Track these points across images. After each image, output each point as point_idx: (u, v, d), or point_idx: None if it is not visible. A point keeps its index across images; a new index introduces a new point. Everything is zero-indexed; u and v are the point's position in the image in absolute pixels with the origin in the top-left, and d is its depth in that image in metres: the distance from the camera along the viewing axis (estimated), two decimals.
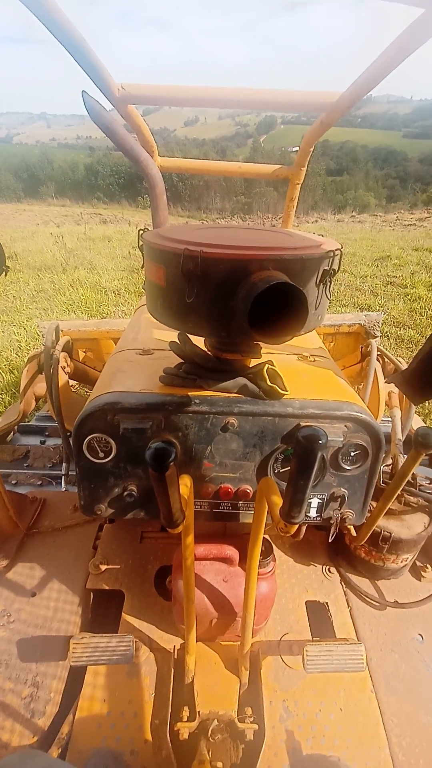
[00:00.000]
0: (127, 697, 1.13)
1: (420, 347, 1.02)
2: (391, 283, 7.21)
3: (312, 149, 2.12)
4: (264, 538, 1.15)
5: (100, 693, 1.13)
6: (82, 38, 1.12)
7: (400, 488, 0.99)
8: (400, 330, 5.36)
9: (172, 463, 0.57)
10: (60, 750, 1.02)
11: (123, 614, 1.31)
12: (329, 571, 1.47)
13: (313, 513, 1.02)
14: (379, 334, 2.85)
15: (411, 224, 14.56)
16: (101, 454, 0.94)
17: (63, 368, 1.93)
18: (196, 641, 1.15)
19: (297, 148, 2.21)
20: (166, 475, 0.58)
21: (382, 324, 5.40)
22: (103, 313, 5.86)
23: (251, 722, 1.08)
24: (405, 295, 6.56)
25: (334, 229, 14.05)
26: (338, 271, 0.81)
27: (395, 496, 1.03)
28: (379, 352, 2.16)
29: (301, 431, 0.55)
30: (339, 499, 0.99)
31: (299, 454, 0.56)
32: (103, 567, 1.43)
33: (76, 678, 1.17)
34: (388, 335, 5.25)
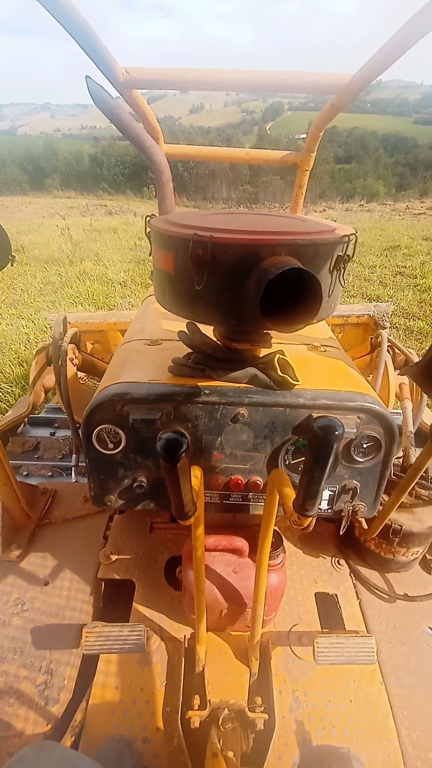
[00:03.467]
0: (139, 685, 1.14)
1: None
2: (400, 273, 7.08)
3: (322, 134, 2.06)
4: (274, 529, 1.15)
5: (112, 680, 1.14)
6: (84, 21, 1.09)
7: (414, 481, 0.97)
8: (409, 321, 5.28)
9: (183, 455, 0.56)
10: (73, 738, 1.03)
11: (134, 604, 1.32)
12: (338, 563, 1.46)
13: (324, 505, 1.01)
14: (388, 325, 2.80)
15: (421, 213, 14.26)
16: (111, 445, 0.93)
17: (71, 360, 1.93)
18: (206, 631, 1.15)
19: (305, 135, 2.15)
20: (177, 467, 0.56)
21: (392, 315, 5.32)
22: (109, 305, 5.85)
23: (261, 712, 1.09)
24: (415, 286, 6.45)
25: (342, 218, 13.81)
26: (353, 257, 0.78)
27: (408, 489, 1.01)
28: (389, 343, 2.13)
29: (316, 422, 0.53)
30: (351, 492, 0.98)
31: (314, 446, 0.54)
32: (114, 557, 1.44)
33: (88, 666, 1.19)
34: (397, 326, 5.17)
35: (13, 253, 1.12)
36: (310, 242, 0.71)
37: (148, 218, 0.92)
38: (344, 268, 0.79)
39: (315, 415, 0.91)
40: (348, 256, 0.78)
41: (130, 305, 5.73)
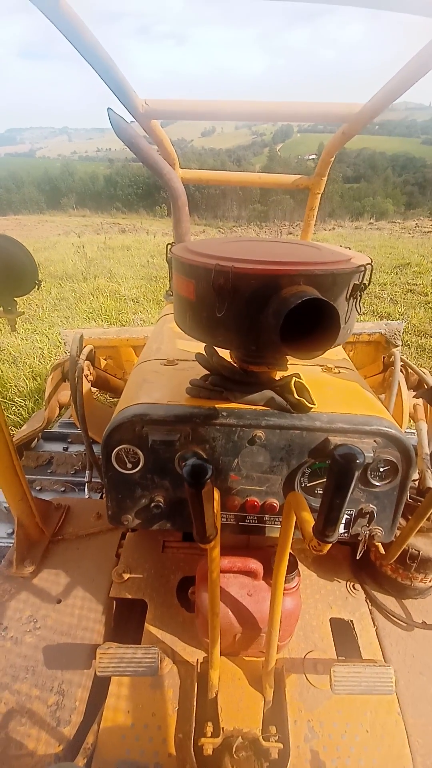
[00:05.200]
0: (151, 710, 1.12)
1: None
2: (411, 291, 7.09)
3: (333, 159, 2.13)
4: (290, 553, 1.14)
5: (124, 704, 1.13)
6: (108, 56, 1.16)
7: None
8: (421, 339, 5.26)
9: (209, 480, 0.57)
10: (85, 760, 1.02)
11: (146, 624, 1.31)
12: (353, 588, 1.43)
13: (340, 529, 1.00)
14: (400, 343, 2.80)
15: (431, 231, 14.32)
16: (129, 465, 0.95)
17: (86, 376, 1.97)
18: (220, 655, 1.13)
19: (314, 156, 2.21)
20: (203, 492, 0.58)
21: (403, 333, 5.31)
22: (122, 321, 5.96)
23: (276, 741, 1.06)
24: (426, 303, 6.44)
25: (351, 236, 13.96)
26: (369, 285, 0.81)
27: (428, 515, 1.00)
28: (402, 363, 2.12)
29: (338, 450, 0.54)
30: (368, 516, 0.97)
31: (335, 473, 0.55)
32: (126, 576, 1.43)
33: (100, 687, 1.18)
34: (409, 344, 5.15)
35: (39, 278, 1.17)
36: (328, 272, 0.73)
37: (169, 246, 0.96)
38: (360, 296, 0.81)
39: (332, 438, 0.91)
40: (364, 284, 0.80)
41: (142, 321, 5.83)
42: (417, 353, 4.96)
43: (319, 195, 2.30)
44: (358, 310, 0.83)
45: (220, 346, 0.86)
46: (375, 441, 0.91)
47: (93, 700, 1.16)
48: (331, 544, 0.63)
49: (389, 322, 2.77)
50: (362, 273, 0.79)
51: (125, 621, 1.43)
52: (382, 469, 0.94)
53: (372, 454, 0.90)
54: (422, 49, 1.05)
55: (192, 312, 0.84)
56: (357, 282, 0.79)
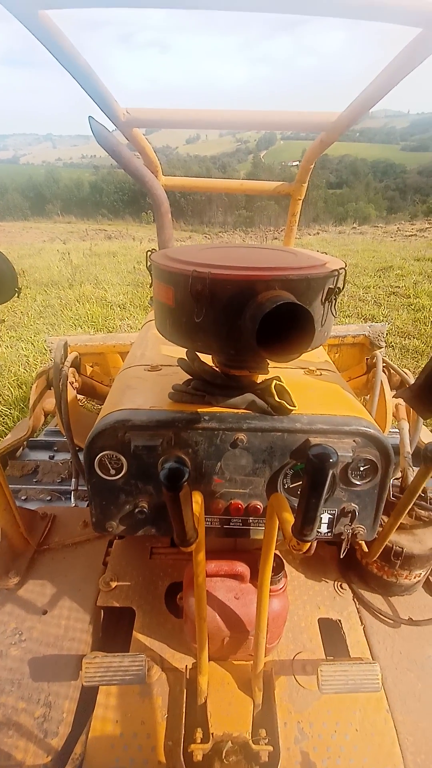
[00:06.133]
0: (140, 718, 1.11)
1: (428, 359, 1.02)
2: (394, 293, 7.23)
3: (312, 166, 2.18)
4: (275, 554, 1.15)
5: (112, 714, 1.12)
6: (87, 65, 1.17)
7: (412, 503, 0.99)
8: (404, 340, 5.36)
9: (185, 483, 0.58)
10: None
11: (134, 632, 1.30)
12: (341, 588, 1.44)
13: (323, 529, 1.02)
14: (384, 344, 2.85)
15: (412, 234, 14.68)
16: (112, 471, 0.95)
17: (71, 384, 1.96)
18: (209, 660, 1.13)
19: (297, 163, 2.26)
20: (180, 495, 0.58)
21: (387, 334, 5.41)
22: (109, 328, 5.93)
23: (266, 744, 1.06)
24: (408, 305, 6.58)
25: (335, 240, 14.19)
26: (343, 289, 0.83)
27: (407, 511, 1.02)
28: (384, 364, 2.17)
29: (311, 450, 0.56)
30: (349, 515, 0.99)
31: (310, 473, 0.57)
32: (114, 584, 1.42)
33: (87, 697, 1.16)
34: (393, 345, 5.24)
35: (19, 285, 1.16)
36: (303, 277, 0.75)
37: (149, 253, 0.97)
38: (335, 299, 0.83)
39: (312, 439, 0.93)
40: (339, 288, 0.82)
41: (129, 327, 5.81)
42: (401, 354, 5.05)
43: (301, 201, 2.35)
44: (334, 314, 0.85)
45: (200, 351, 0.87)
46: (354, 441, 0.93)
47: (81, 711, 1.15)
48: (310, 543, 0.64)
49: (373, 324, 2.82)
50: (336, 277, 0.81)
51: (114, 630, 1.41)
52: (362, 469, 0.95)
53: (351, 454, 0.92)
54: (395, 57, 1.06)
55: (172, 318, 0.85)
56: (332, 286, 0.81)
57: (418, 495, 1.23)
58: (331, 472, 0.56)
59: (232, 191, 2.46)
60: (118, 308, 6.74)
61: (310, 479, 0.57)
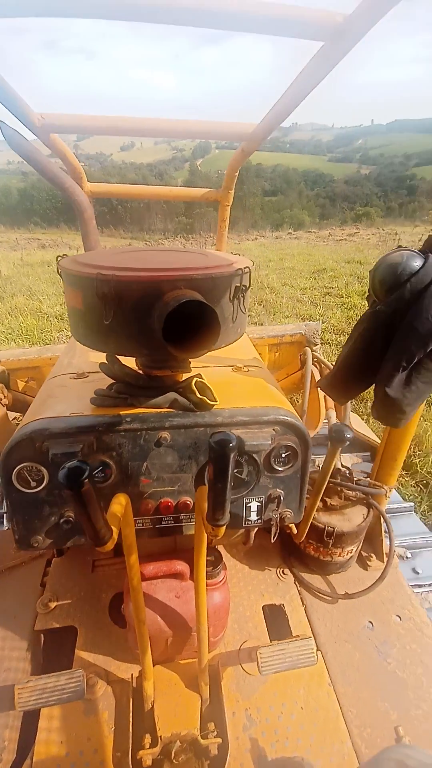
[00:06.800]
0: (86, 735, 1.08)
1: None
2: (328, 293, 7.70)
3: (237, 174, 2.27)
4: (213, 548, 1.17)
5: (56, 735, 1.07)
6: None
7: (326, 482, 1.06)
8: (339, 336, 5.72)
9: (86, 480, 0.58)
10: None
11: (76, 651, 1.25)
12: (283, 573, 1.51)
13: (253, 516, 1.06)
14: (319, 341, 3.03)
15: (342, 239, 15.74)
16: (33, 484, 0.91)
17: (0, 400, 1.85)
18: (154, 664, 1.12)
19: None
20: (82, 492, 0.58)
21: (324, 332, 5.74)
22: (46, 340, 5.66)
23: (214, 737, 1.07)
24: (342, 304, 7.03)
25: (273, 245, 14.79)
26: (249, 287, 0.88)
27: (323, 490, 1.10)
28: (315, 359, 2.31)
29: (212, 437, 0.59)
30: (276, 500, 1.04)
31: (213, 459, 0.60)
32: (53, 604, 1.36)
33: (31, 724, 1.11)
34: (329, 342, 5.57)
35: None
36: (207, 276, 0.79)
37: (59, 258, 0.96)
38: (243, 297, 0.88)
39: (234, 431, 0.97)
40: (245, 286, 0.87)
41: (68, 339, 5.59)
42: (336, 350, 5.38)
43: (229, 207, 2.43)
44: (243, 311, 0.90)
45: (115, 353, 0.88)
46: (274, 429, 0.98)
47: (24, 739, 1.09)
48: (223, 528, 0.67)
49: (308, 323, 2.99)
50: (242, 275, 0.86)
51: (57, 651, 1.35)
52: (283, 455, 1.01)
53: (270, 442, 0.97)
54: (301, 71, 1.12)
55: (83, 321, 0.84)
56: (238, 284, 0.86)
57: (346, 477, 1.33)
58: (232, 456, 0.59)
59: (161, 198, 2.48)
60: (55, 320, 6.45)
61: (215, 466, 0.60)
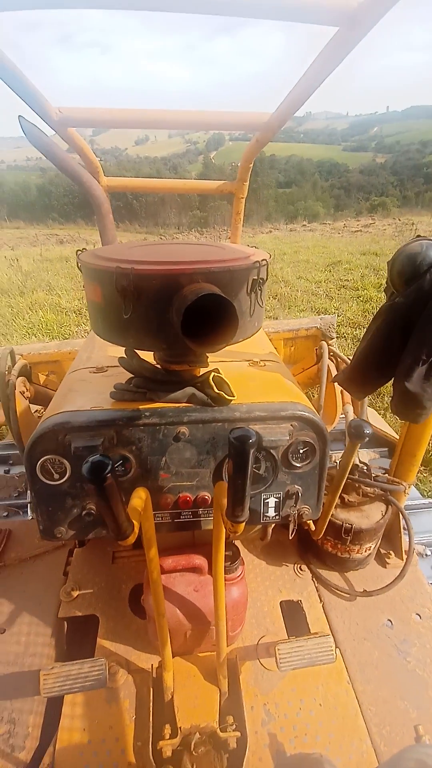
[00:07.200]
0: (108, 723, 1.10)
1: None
2: (344, 286, 7.55)
3: (251, 165, 2.23)
4: (232, 543, 1.17)
5: (79, 722, 1.10)
6: (13, 65, 1.14)
7: (344, 478, 1.05)
8: (355, 330, 5.62)
9: (108, 475, 0.58)
10: None
11: (98, 639, 1.28)
12: (300, 569, 1.50)
13: (271, 512, 1.05)
14: (334, 335, 2.99)
15: (357, 231, 15.39)
16: (56, 476, 0.93)
17: (22, 393, 1.89)
18: (174, 656, 1.14)
19: None
20: (105, 486, 0.59)
21: (339, 325, 5.64)
22: (65, 335, 5.75)
23: (233, 730, 1.08)
24: (357, 297, 6.89)
25: (287, 238, 14.58)
26: (266, 280, 0.86)
27: (341, 487, 1.08)
28: (331, 353, 2.27)
29: (232, 433, 0.58)
30: (294, 496, 1.03)
31: (233, 455, 0.59)
32: (75, 593, 1.39)
33: (54, 710, 1.14)
34: (345, 336, 5.47)
35: None
36: (225, 269, 0.78)
37: (78, 252, 0.96)
38: (261, 290, 0.86)
39: (252, 426, 0.96)
40: (263, 279, 0.86)
41: (86, 333, 5.67)
42: (353, 344, 5.28)
43: (243, 199, 2.40)
44: (261, 304, 0.89)
45: (134, 347, 0.88)
46: (291, 425, 0.97)
47: (48, 724, 1.13)
48: (243, 524, 0.67)
49: (324, 316, 2.95)
50: (259, 268, 0.85)
51: (79, 640, 1.38)
52: (301, 451, 1.00)
53: (289, 438, 0.96)
54: (316, 57, 1.09)
55: (102, 315, 0.85)
56: (255, 277, 0.85)
57: (364, 473, 1.30)
58: (252, 452, 0.58)
59: (176, 191, 2.47)
60: (74, 314, 6.54)
61: (234, 461, 0.60)
